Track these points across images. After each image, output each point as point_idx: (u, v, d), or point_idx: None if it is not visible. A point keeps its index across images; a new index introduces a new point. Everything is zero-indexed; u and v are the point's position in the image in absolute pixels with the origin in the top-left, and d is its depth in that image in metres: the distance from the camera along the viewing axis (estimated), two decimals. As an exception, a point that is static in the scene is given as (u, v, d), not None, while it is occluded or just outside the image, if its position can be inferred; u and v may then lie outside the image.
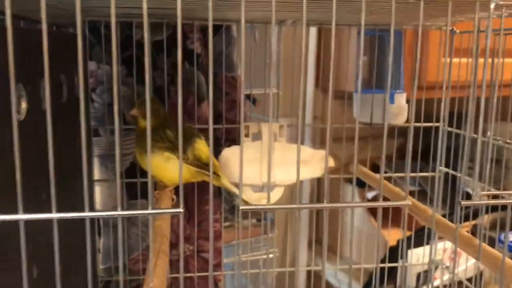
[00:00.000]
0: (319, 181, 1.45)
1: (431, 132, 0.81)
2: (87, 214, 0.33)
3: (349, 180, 1.43)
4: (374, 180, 0.78)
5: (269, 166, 0.43)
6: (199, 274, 0.77)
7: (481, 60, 0.70)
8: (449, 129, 0.76)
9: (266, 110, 0.99)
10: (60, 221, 0.34)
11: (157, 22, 0.69)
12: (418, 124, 0.79)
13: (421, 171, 0.88)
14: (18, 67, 0.43)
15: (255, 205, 0.38)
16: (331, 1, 0.33)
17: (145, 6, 0.32)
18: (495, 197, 0.50)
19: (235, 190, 0.62)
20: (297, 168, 0.36)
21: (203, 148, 0.60)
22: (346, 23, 0.74)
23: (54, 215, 0.33)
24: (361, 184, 1.28)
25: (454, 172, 0.77)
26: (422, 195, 1.02)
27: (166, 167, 0.58)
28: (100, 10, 0.66)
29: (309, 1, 0.49)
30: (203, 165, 0.59)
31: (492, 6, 0.33)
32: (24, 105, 0.44)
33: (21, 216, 0.33)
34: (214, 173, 0.60)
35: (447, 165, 0.78)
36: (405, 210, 0.38)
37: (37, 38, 0.50)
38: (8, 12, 0.31)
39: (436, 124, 0.79)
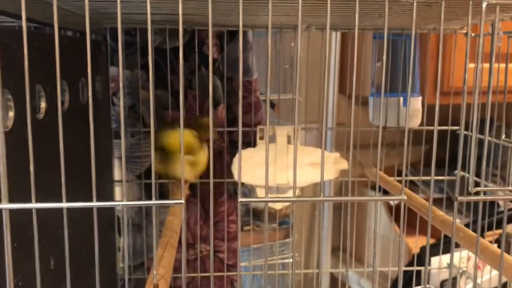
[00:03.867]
0: (341, 185, 1.45)
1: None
2: (94, 204, 0.36)
3: (373, 187, 1.42)
4: (390, 185, 0.78)
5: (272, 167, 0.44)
6: (215, 274, 0.79)
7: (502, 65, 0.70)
8: (465, 132, 0.75)
9: (284, 115, 1.01)
10: (81, 217, 0.36)
11: (175, 29, 0.72)
12: (431, 128, 0.78)
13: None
14: (38, 69, 0.46)
15: (255, 198, 0.39)
16: (346, 5, 0.35)
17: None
18: None
19: None
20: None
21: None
22: (360, 27, 0.75)
23: (64, 204, 0.36)
24: (385, 191, 1.28)
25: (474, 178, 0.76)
26: (449, 203, 1.01)
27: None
28: (121, 17, 0.69)
29: (315, 5, 0.50)
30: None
31: (484, 5, 0.34)
32: (43, 105, 0.47)
33: (33, 205, 0.35)
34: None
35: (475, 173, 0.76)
36: (402, 204, 0.39)
37: (59, 43, 0.53)
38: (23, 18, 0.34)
39: (453, 127, 0.79)
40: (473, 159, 0.39)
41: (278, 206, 0.75)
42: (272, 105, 1.04)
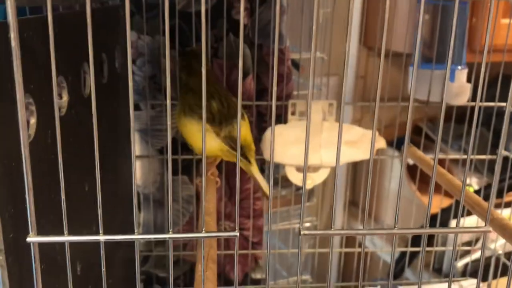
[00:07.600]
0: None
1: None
2: (136, 236, 0.31)
3: (390, 143, 1.38)
4: (424, 163, 0.73)
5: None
6: (240, 252, 0.76)
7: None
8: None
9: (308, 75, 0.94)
10: (105, 195, 0.31)
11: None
12: (473, 104, 0.72)
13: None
14: (57, 60, 0.39)
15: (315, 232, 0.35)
16: None
17: None
18: None
19: (263, 183, 0.59)
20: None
21: (242, 130, 0.57)
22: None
23: (102, 237, 0.31)
24: (401, 148, 1.23)
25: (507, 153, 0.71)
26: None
27: (198, 137, 0.55)
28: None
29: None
30: (235, 147, 0.55)
31: None
32: (65, 97, 0.41)
33: (66, 238, 0.31)
34: (246, 158, 0.57)
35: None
36: (484, 236, 0.34)
37: (75, 21, 0.45)
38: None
39: (500, 104, 0.73)
40: None
41: (309, 186, 0.70)
42: (297, 66, 0.96)
